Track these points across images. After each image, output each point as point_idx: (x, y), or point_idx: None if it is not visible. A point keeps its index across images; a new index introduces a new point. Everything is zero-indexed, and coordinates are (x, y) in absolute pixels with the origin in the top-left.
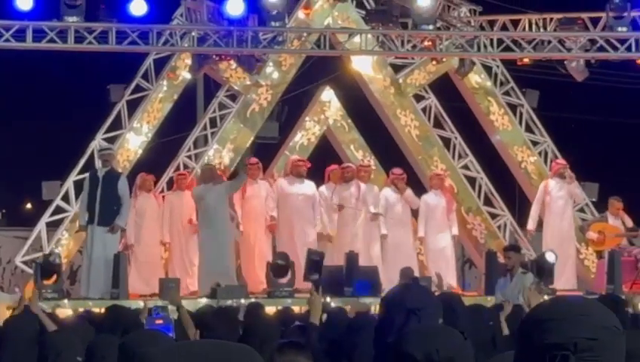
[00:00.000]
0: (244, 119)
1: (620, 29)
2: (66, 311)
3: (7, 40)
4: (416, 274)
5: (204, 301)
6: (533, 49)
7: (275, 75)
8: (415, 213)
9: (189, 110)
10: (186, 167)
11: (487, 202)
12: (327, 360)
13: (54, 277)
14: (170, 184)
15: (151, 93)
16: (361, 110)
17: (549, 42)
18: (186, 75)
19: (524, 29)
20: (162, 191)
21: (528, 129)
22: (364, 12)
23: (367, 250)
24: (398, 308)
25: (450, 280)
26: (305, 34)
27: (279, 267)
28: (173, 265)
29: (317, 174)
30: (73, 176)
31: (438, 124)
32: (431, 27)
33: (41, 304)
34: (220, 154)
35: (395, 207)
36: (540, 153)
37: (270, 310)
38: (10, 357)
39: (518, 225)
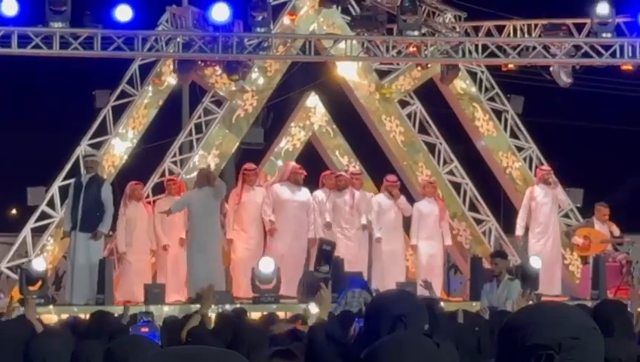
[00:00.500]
0: (229, 125)
1: (604, 35)
2: (51, 316)
3: None
4: (404, 280)
5: (194, 307)
6: (518, 55)
7: (261, 80)
8: (406, 221)
9: (175, 116)
10: (171, 172)
11: (472, 208)
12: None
13: (39, 283)
14: (156, 190)
15: (136, 99)
16: (347, 116)
17: (534, 48)
18: (171, 80)
19: (508, 34)
20: (147, 196)
21: (513, 135)
22: (349, 18)
23: (357, 256)
24: (384, 314)
25: (436, 289)
26: (290, 40)
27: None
28: (164, 270)
29: (305, 180)
30: (58, 182)
31: (423, 130)
32: (416, 33)
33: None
34: (206, 159)
35: (387, 214)
36: (524, 159)
37: (255, 316)
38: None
39: (503, 230)
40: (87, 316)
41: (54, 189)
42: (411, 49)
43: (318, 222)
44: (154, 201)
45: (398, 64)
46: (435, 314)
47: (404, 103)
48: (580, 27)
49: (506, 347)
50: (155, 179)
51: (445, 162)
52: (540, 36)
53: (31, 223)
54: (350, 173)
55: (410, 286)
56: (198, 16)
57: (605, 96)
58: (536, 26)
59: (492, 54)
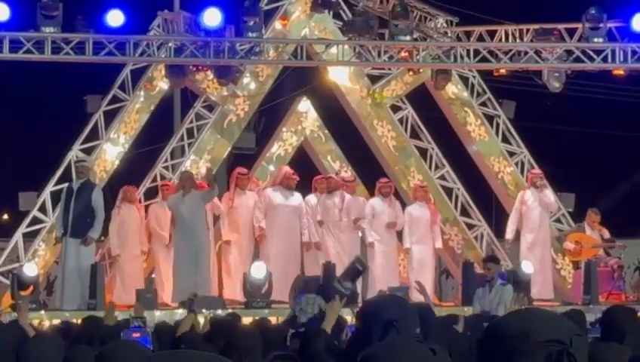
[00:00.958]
0: (221, 130)
1: (596, 39)
2: (43, 321)
3: None
4: (396, 284)
5: (180, 312)
6: (510, 60)
7: (252, 85)
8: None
9: (166, 121)
10: (163, 177)
11: (464, 212)
12: None
13: (31, 288)
14: (148, 195)
15: (128, 104)
16: (338, 121)
17: (526, 53)
18: (162, 85)
19: (500, 39)
20: (140, 201)
21: (505, 139)
22: (341, 23)
23: (343, 260)
24: (375, 319)
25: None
26: (282, 45)
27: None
28: (157, 275)
29: (298, 184)
30: (50, 187)
31: (414, 135)
32: (408, 38)
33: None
34: (197, 164)
35: (381, 217)
36: (516, 164)
37: (247, 321)
38: None
39: (495, 235)
40: (79, 321)
41: (46, 194)
42: (403, 54)
43: (312, 225)
44: (146, 207)
45: (389, 69)
46: (427, 319)
47: (395, 108)
48: (571, 32)
49: (501, 349)
50: (147, 184)
51: (437, 167)
52: (531, 41)
53: (22, 228)
54: (342, 178)
55: (402, 290)
56: (189, 21)
57: (597, 101)
58: (527, 30)
59: (484, 59)
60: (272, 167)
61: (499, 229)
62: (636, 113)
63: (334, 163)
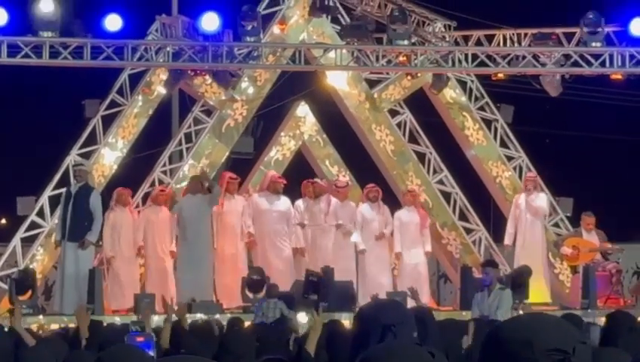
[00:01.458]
0: (219, 134)
1: (594, 44)
2: (41, 326)
3: None
4: (391, 289)
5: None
6: (508, 64)
7: (250, 90)
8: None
9: (164, 125)
10: (161, 182)
11: (462, 217)
12: None
13: (29, 292)
14: (146, 199)
15: (126, 109)
16: (337, 125)
17: (524, 57)
18: (161, 90)
19: (498, 44)
20: (137, 206)
21: (503, 144)
22: (339, 27)
23: (337, 264)
24: (373, 323)
25: (423, 297)
26: (280, 49)
27: (255, 282)
28: (150, 280)
29: (292, 190)
30: (48, 192)
31: (413, 139)
32: (406, 42)
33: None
34: (195, 169)
35: (371, 224)
36: (514, 168)
37: (246, 325)
38: None
39: (493, 240)
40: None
41: (44, 199)
42: (401, 58)
43: (298, 230)
44: (138, 212)
45: (387, 73)
46: (425, 323)
47: (394, 112)
48: (569, 36)
49: (503, 357)
50: (145, 188)
51: (435, 171)
52: (529, 45)
53: (21, 233)
54: (335, 184)
55: (401, 295)
56: (187, 26)
57: (595, 105)
58: (525, 35)
59: (482, 63)
60: (274, 173)
61: (497, 234)
62: (634, 117)
63: (332, 167)
